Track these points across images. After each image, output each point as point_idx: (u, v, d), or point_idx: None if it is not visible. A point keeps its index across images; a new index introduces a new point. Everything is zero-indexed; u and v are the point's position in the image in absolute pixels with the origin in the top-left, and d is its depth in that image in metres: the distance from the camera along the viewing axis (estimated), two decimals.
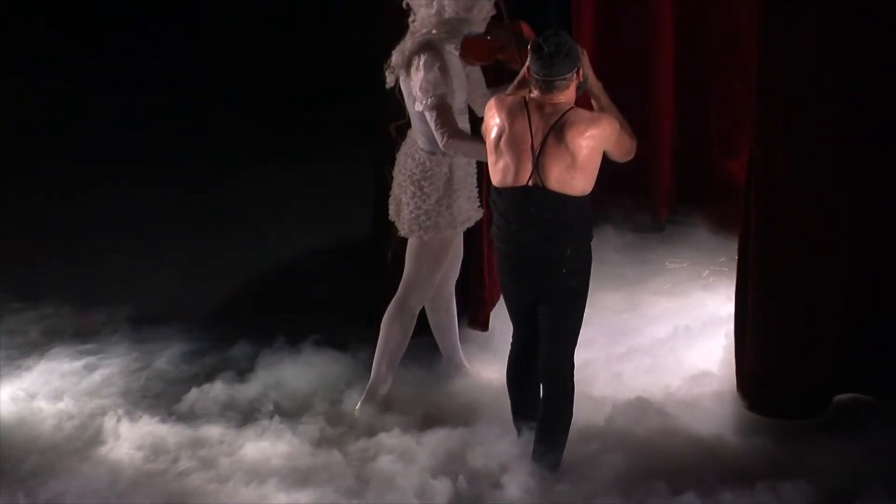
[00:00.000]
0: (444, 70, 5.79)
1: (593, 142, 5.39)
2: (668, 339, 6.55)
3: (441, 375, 6.58)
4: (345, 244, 7.89)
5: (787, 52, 5.87)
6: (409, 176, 5.99)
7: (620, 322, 6.70)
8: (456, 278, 6.37)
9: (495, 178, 5.53)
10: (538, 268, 5.56)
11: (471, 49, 5.81)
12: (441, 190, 6.03)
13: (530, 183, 5.45)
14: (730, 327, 6.38)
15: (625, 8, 7.64)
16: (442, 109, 5.75)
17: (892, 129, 5.94)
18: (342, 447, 5.97)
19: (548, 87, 5.39)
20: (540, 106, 5.43)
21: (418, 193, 6.02)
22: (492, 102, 5.57)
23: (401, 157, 6.08)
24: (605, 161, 5.73)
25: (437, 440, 6.01)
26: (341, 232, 8.06)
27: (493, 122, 5.50)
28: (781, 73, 5.90)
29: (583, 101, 5.66)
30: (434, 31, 5.81)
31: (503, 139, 5.44)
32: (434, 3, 5.79)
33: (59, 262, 7.89)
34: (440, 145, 5.76)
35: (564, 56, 5.37)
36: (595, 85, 5.56)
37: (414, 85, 5.80)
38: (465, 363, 6.45)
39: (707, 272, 7.53)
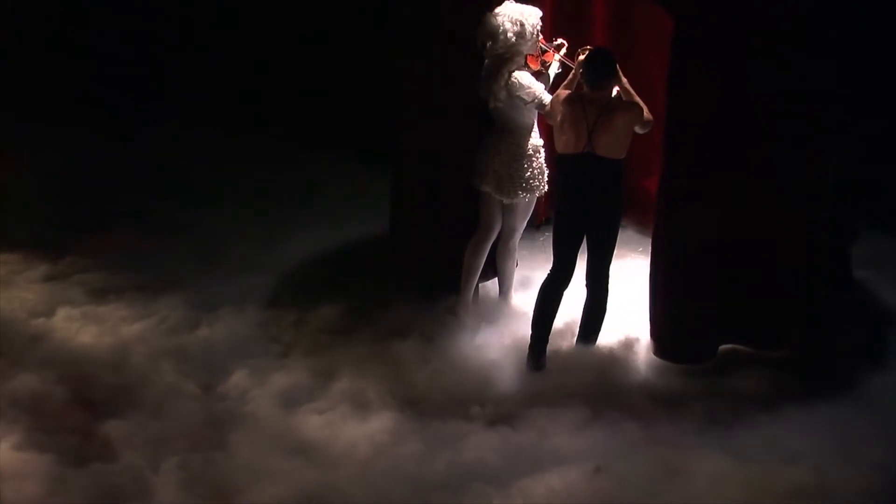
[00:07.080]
0: (530, 77, 7.09)
1: (628, 123, 6.66)
2: None
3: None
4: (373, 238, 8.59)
5: (689, 101, 6.74)
6: (512, 156, 7.14)
7: (569, 290, 7.04)
8: (520, 236, 7.48)
9: (559, 148, 6.75)
10: (587, 206, 6.65)
11: (529, 60, 7.27)
12: (534, 162, 7.18)
13: (585, 151, 6.65)
14: (645, 294, 7.20)
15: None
16: (546, 99, 7.01)
17: (753, 162, 6.78)
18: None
19: (596, 88, 6.71)
20: (591, 99, 6.70)
21: (517, 167, 7.12)
22: (556, 97, 6.83)
23: (498, 146, 7.10)
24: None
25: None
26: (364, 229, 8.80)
27: (558, 109, 6.75)
28: (684, 118, 6.78)
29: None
30: (514, 57, 7.08)
31: (566, 121, 6.69)
32: (514, 36, 6.99)
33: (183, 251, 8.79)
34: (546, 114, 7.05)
35: (607, 68, 6.69)
36: (624, 83, 6.78)
37: (522, 95, 7.01)
38: (511, 300, 7.61)
39: (630, 257, 8.28)
